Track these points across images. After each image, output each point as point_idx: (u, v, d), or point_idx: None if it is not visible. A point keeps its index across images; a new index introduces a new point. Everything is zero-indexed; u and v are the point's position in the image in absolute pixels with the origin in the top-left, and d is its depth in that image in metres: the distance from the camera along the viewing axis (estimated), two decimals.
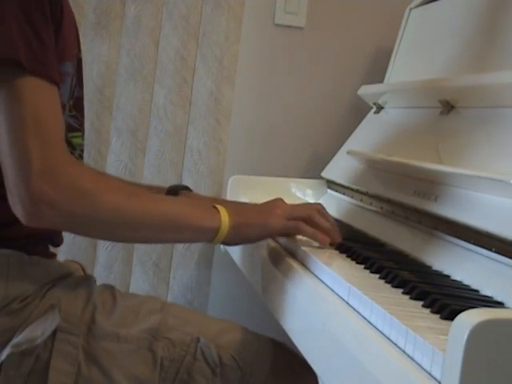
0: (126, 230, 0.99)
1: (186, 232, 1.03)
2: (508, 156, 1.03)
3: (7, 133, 0.91)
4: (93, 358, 0.99)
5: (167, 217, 1.00)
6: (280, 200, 1.10)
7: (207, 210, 1.04)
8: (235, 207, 1.07)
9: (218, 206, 1.04)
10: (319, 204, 1.15)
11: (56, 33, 0.99)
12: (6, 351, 0.96)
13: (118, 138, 1.83)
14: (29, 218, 0.92)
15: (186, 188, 1.34)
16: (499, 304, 0.84)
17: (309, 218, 1.07)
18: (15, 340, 0.97)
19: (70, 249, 1.71)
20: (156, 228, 1.00)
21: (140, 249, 1.82)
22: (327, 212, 1.12)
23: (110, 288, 1.12)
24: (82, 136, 1.17)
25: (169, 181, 1.83)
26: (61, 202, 0.92)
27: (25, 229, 0.96)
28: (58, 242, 1.12)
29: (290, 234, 1.09)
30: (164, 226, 1.01)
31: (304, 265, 1.02)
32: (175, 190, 1.31)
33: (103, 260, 1.84)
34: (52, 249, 1.13)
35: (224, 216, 1.03)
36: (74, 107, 1.13)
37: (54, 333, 0.98)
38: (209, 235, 1.03)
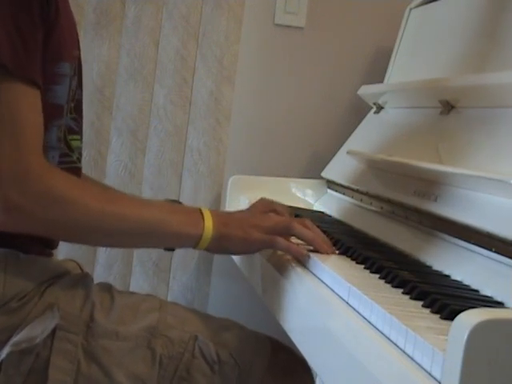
0: (101, 235, 1.00)
1: (165, 238, 1.03)
2: (508, 156, 1.03)
3: None
4: (92, 356, 0.99)
5: (145, 223, 1.00)
6: (263, 211, 1.10)
7: (191, 216, 1.02)
8: (222, 217, 1.04)
9: (204, 212, 1.02)
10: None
11: (49, 34, 0.98)
12: (6, 350, 0.96)
13: (118, 137, 1.83)
14: (0, 223, 0.93)
15: (179, 203, 1.33)
16: (499, 304, 0.84)
17: (289, 231, 1.05)
18: (15, 339, 0.96)
19: (69, 249, 1.71)
20: (133, 234, 1.00)
21: (140, 249, 1.82)
22: (309, 222, 1.09)
23: (107, 286, 1.12)
24: (81, 139, 1.17)
25: (169, 181, 1.84)
26: (30, 208, 0.92)
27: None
28: (53, 244, 1.12)
29: (268, 248, 1.07)
30: (142, 232, 1.00)
31: (304, 265, 1.02)
32: None
33: (103, 260, 1.84)
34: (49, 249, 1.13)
35: (208, 223, 1.01)
36: (75, 109, 1.12)
37: (54, 331, 0.98)
38: (191, 242, 1.02)
